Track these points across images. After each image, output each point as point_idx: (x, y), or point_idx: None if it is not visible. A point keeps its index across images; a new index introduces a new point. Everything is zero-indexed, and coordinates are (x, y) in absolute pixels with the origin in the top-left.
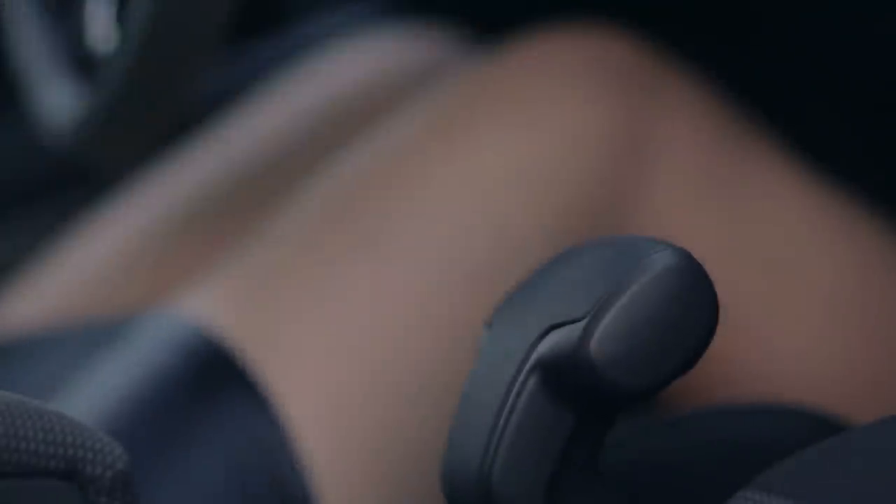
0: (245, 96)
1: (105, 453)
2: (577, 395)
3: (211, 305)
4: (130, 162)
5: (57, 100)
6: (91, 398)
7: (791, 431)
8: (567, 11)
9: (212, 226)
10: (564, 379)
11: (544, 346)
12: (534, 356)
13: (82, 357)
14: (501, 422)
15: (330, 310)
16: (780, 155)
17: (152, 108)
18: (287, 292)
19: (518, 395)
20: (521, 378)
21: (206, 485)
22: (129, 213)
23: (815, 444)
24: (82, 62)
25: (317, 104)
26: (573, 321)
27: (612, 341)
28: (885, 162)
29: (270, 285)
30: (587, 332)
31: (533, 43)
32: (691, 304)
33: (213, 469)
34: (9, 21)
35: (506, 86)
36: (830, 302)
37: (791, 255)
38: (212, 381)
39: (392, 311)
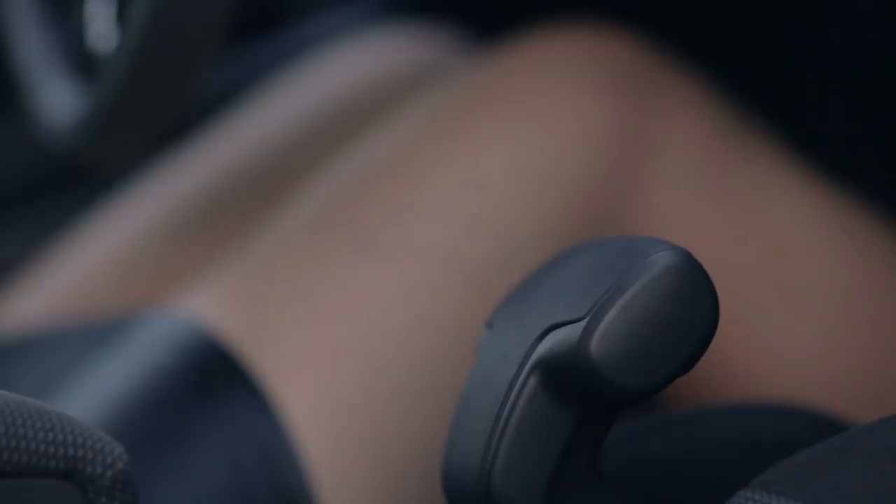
0: (245, 96)
1: (105, 453)
2: (577, 395)
3: (211, 305)
4: (130, 162)
5: (57, 100)
6: (91, 398)
7: (791, 431)
8: (567, 11)
9: (211, 226)
10: (564, 379)
11: (544, 346)
12: (534, 356)
13: (82, 357)
14: (501, 422)
15: (330, 310)
16: (780, 154)
17: (152, 108)
18: (287, 292)
19: (518, 395)
20: (521, 378)
21: (205, 485)
22: (129, 213)
23: (815, 444)
24: (82, 62)
25: (317, 104)
26: (573, 321)
27: (612, 341)
28: (884, 160)
29: (270, 285)
30: (587, 332)
31: (533, 43)
32: (691, 304)
33: (213, 469)
34: (9, 21)
35: (505, 86)
36: (830, 301)
37: (791, 255)
38: (212, 381)
39: (392, 311)
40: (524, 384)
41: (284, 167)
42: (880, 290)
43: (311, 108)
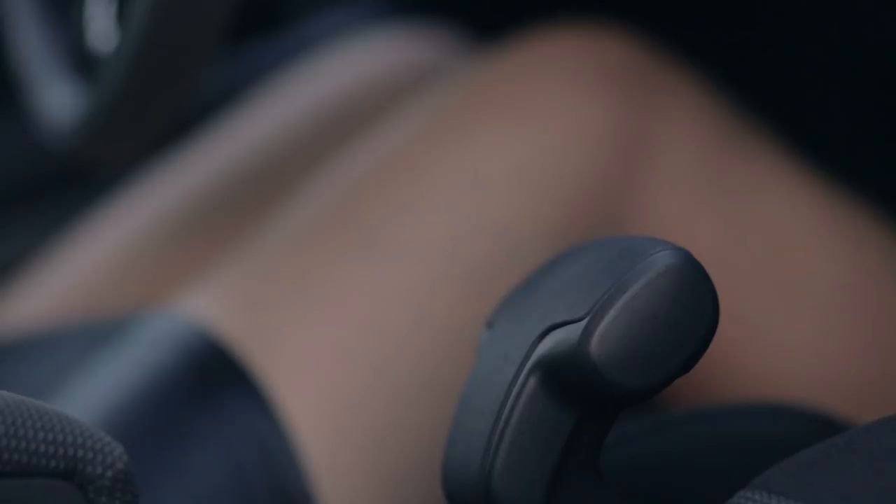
0: (245, 96)
1: (105, 453)
2: (577, 395)
3: (211, 305)
4: (130, 162)
5: (57, 100)
6: (91, 398)
7: (791, 431)
8: (567, 11)
9: (211, 226)
10: (564, 379)
11: (544, 346)
12: (534, 356)
13: (82, 357)
14: (501, 422)
15: (330, 310)
16: (779, 153)
17: (152, 108)
18: (287, 292)
19: (518, 395)
20: (521, 378)
21: (205, 485)
22: (129, 213)
23: (815, 444)
24: (82, 62)
25: (316, 104)
26: (573, 321)
27: (612, 341)
28: (884, 160)
29: (270, 285)
30: (587, 332)
31: (533, 43)
32: (691, 304)
33: (213, 469)
34: (9, 21)
35: (505, 85)
36: (830, 301)
37: (790, 254)
38: (212, 381)
39: (392, 311)
40: (524, 384)
41: (284, 167)
42: (880, 290)
43: (311, 107)
